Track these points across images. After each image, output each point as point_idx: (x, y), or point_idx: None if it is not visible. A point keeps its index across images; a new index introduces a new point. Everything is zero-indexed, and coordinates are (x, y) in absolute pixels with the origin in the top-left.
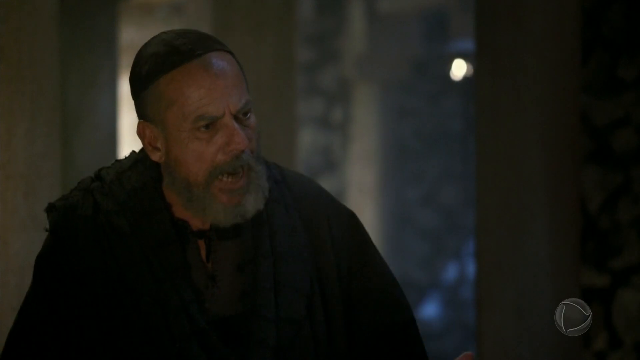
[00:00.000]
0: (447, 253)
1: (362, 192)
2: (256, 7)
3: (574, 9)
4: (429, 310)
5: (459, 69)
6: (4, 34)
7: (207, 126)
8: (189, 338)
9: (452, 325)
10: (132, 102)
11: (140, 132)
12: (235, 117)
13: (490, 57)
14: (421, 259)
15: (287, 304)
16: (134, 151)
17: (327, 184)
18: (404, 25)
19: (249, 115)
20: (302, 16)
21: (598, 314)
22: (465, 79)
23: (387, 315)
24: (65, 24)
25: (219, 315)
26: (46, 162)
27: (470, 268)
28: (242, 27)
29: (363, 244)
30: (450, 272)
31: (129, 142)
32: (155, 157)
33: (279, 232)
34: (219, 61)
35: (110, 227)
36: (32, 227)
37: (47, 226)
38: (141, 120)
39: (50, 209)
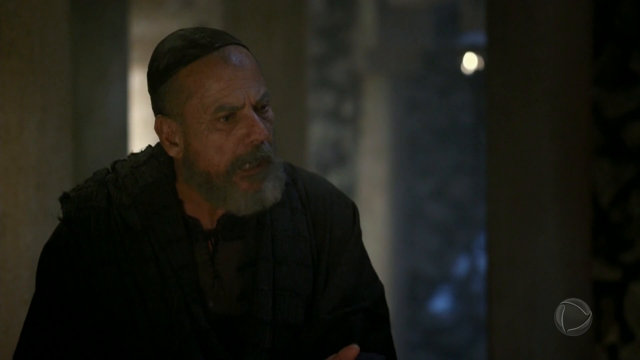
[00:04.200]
0: (458, 247)
1: (372, 185)
2: (267, 0)
3: (586, 1)
4: (439, 304)
5: (469, 62)
6: (15, 27)
7: (227, 117)
8: (189, 337)
9: (462, 319)
10: (142, 95)
11: (158, 128)
12: (255, 109)
13: (502, 50)
14: (432, 252)
15: (285, 308)
16: (149, 145)
17: (337, 177)
18: (415, 18)
19: (267, 108)
20: (312, 9)
21: (609, 308)
22: (476, 72)
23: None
24: (76, 17)
25: (220, 315)
26: (57, 155)
27: (481, 262)
28: (252, 21)
29: (359, 237)
30: (461, 266)
31: (139, 135)
32: (173, 152)
33: (281, 237)
34: (237, 54)
35: (122, 222)
36: (43, 220)
37: (60, 215)
38: (159, 115)
39: (65, 198)
